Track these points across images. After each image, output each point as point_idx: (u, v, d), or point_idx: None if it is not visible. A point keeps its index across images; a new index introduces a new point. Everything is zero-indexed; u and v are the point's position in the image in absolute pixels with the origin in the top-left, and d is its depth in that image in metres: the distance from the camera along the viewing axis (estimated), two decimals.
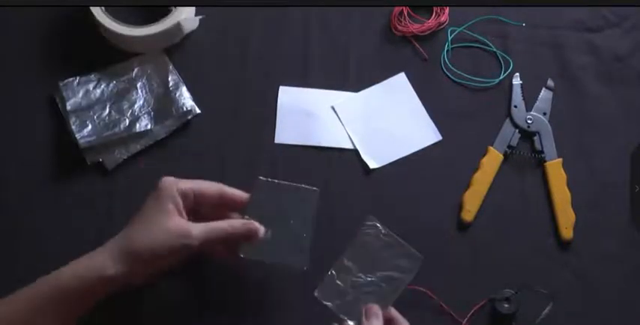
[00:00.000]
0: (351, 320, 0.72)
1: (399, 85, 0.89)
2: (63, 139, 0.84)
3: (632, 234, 0.83)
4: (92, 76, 0.87)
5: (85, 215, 0.81)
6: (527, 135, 0.87)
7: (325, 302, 0.74)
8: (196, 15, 0.89)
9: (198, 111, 0.86)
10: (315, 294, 0.74)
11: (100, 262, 0.68)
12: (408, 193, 0.84)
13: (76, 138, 0.83)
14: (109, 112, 0.85)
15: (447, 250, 0.81)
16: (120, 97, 0.86)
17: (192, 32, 0.90)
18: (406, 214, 0.82)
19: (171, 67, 0.88)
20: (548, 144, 0.86)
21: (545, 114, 0.88)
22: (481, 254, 0.81)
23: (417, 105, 0.88)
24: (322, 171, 0.85)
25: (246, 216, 0.73)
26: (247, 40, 0.91)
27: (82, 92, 0.86)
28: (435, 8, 0.91)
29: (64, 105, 0.85)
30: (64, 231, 0.80)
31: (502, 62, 0.90)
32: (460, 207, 0.83)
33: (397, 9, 0.92)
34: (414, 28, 0.90)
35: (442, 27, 0.91)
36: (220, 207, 0.75)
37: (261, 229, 0.72)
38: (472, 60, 0.90)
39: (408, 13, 0.92)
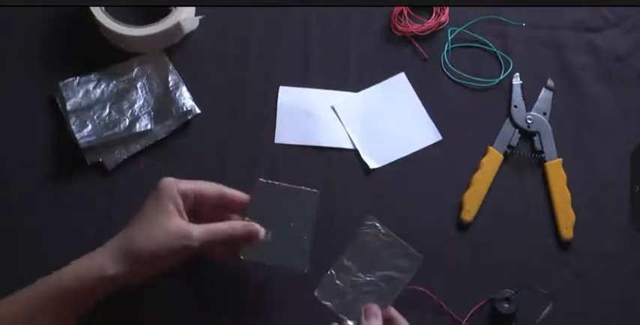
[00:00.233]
0: (350, 319, 0.72)
1: (399, 85, 0.89)
2: (63, 139, 0.84)
3: (632, 234, 0.83)
4: (92, 76, 0.87)
5: (85, 215, 0.81)
6: (527, 135, 0.87)
7: (325, 302, 0.74)
8: (196, 15, 0.89)
9: (198, 111, 0.86)
10: (315, 294, 0.74)
11: (100, 262, 0.67)
12: (408, 193, 0.84)
13: (76, 138, 0.83)
14: (109, 112, 0.85)
15: (447, 250, 0.81)
16: (120, 97, 0.86)
17: (192, 32, 0.90)
18: (406, 214, 0.82)
19: (171, 67, 0.88)
20: (548, 144, 0.86)
21: (545, 114, 0.88)
22: (481, 254, 0.81)
23: (417, 105, 0.88)
24: (322, 171, 0.85)
25: (247, 218, 0.73)
26: (247, 40, 0.91)
27: (82, 92, 0.86)
28: (435, 8, 0.91)
29: (64, 105, 0.85)
30: (64, 230, 0.80)
31: (502, 62, 0.90)
32: (460, 207, 0.83)
33: (397, 9, 0.92)
34: (414, 28, 0.90)
35: (442, 27, 0.91)
36: (220, 208, 0.75)
37: (262, 231, 0.72)
38: (472, 60, 0.90)
39: (408, 13, 0.92)
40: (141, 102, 0.86)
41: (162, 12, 0.88)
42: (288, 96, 0.88)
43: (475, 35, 0.91)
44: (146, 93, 0.87)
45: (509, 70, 0.89)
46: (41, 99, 0.87)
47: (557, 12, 0.93)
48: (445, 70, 0.90)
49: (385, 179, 0.84)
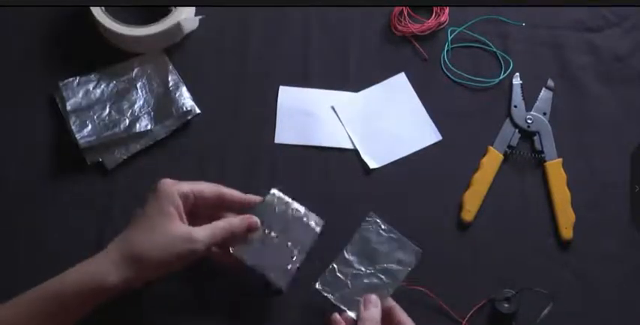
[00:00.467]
0: (351, 311, 0.73)
1: (399, 85, 0.89)
2: (63, 139, 0.84)
3: (632, 234, 0.83)
4: (92, 76, 0.87)
5: (84, 215, 0.81)
6: (527, 135, 0.87)
7: (326, 294, 0.75)
8: (196, 15, 0.89)
9: (198, 111, 0.86)
10: (317, 286, 0.75)
11: (102, 269, 0.67)
12: (408, 193, 0.84)
13: (75, 138, 0.83)
14: (109, 112, 0.85)
15: (447, 250, 0.81)
16: (120, 97, 0.86)
17: (192, 32, 0.90)
18: (406, 214, 0.82)
19: (171, 66, 0.88)
20: (548, 144, 0.86)
21: (545, 114, 0.88)
22: (481, 254, 0.81)
23: (417, 105, 0.88)
24: (322, 171, 0.85)
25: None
26: (247, 40, 0.91)
27: (82, 92, 0.86)
28: (435, 8, 0.92)
29: (64, 105, 0.85)
30: (64, 230, 0.80)
31: (502, 62, 0.90)
32: (460, 207, 0.83)
33: (397, 9, 0.92)
34: (414, 28, 0.90)
35: (442, 27, 0.91)
36: (218, 208, 0.75)
37: (259, 221, 0.74)
38: (472, 60, 0.90)
39: (408, 13, 0.92)
40: (141, 102, 0.86)
41: (162, 12, 0.88)
42: (288, 96, 0.88)
43: (475, 35, 0.91)
44: (146, 93, 0.87)
45: (509, 70, 0.89)
46: (41, 99, 0.87)
47: (557, 12, 0.93)
48: (445, 70, 0.90)
49: (385, 179, 0.84)
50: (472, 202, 0.83)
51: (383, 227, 0.77)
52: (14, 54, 0.90)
